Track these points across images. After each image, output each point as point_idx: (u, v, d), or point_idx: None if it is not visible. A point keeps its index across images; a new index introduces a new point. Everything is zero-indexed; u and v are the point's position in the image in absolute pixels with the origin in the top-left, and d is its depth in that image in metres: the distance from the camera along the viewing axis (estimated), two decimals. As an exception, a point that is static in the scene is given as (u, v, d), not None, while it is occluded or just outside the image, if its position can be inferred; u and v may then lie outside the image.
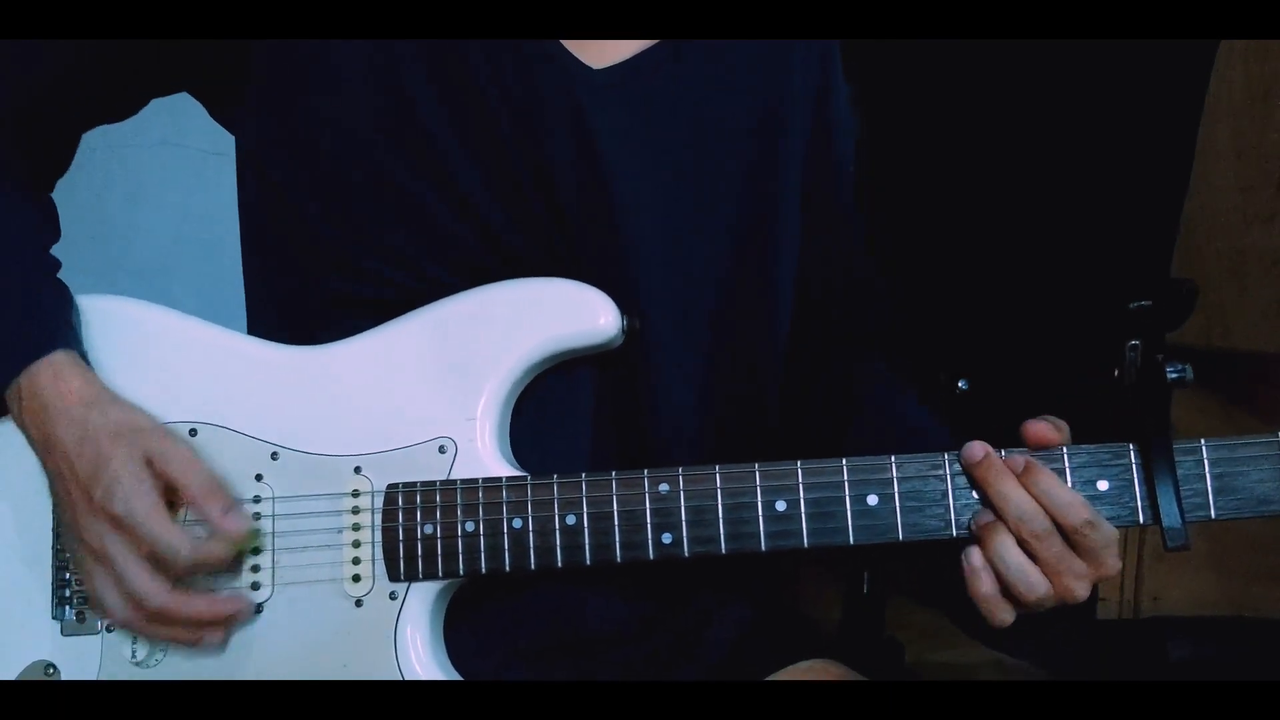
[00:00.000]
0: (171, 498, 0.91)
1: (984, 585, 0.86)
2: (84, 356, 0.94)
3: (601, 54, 0.97)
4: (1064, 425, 0.90)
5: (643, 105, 0.97)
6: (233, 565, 0.92)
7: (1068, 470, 0.88)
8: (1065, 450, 0.88)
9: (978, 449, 0.88)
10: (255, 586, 0.93)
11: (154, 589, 0.88)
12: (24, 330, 0.93)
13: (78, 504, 0.89)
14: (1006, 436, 0.92)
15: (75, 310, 0.97)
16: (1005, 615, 0.88)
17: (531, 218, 0.96)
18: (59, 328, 0.94)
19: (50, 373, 0.91)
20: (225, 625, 0.91)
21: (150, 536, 0.87)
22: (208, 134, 1.08)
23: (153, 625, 0.90)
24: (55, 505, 0.93)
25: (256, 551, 0.93)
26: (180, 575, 0.89)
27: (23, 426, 0.92)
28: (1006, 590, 0.86)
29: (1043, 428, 0.89)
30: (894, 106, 1.60)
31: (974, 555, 0.87)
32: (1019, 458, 0.87)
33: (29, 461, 0.94)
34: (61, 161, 1.06)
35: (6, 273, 0.96)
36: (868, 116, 1.13)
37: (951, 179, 1.70)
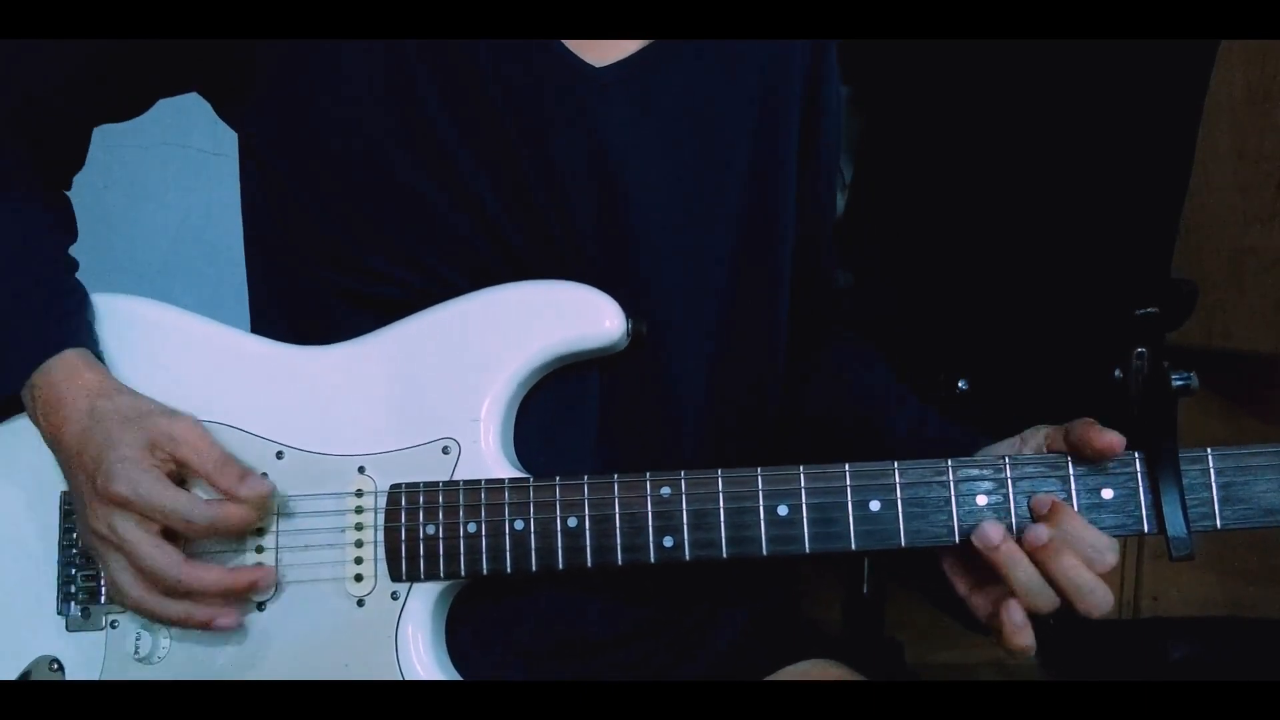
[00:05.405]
0: (182, 475, 0.91)
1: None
2: (99, 355, 0.95)
3: (603, 51, 0.97)
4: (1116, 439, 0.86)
5: (646, 100, 0.97)
6: (247, 536, 0.92)
7: (1072, 478, 0.86)
8: (1070, 458, 0.86)
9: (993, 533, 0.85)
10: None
11: (169, 561, 0.88)
12: (39, 329, 0.94)
13: (85, 493, 0.90)
14: (1006, 435, 0.92)
15: (91, 309, 0.98)
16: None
17: (538, 216, 0.96)
18: (74, 326, 0.95)
19: (64, 369, 0.92)
20: (243, 597, 0.91)
21: (160, 507, 0.87)
22: (208, 134, 1.08)
23: (168, 605, 0.89)
24: (69, 500, 0.94)
25: (261, 533, 0.93)
26: (198, 537, 0.90)
27: (36, 422, 0.93)
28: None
29: (1108, 441, 0.84)
30: (894, 107, 1.60)
31: (1012, 609, 0.84)
32: (1040, 531, 0.83)
33: (35, 458, 0.95)
34: (76, 157, 1.06)
35: (20, 273, 0.96)
36: (868, 117, 1.13)
37: (951, 178, 1.70)
